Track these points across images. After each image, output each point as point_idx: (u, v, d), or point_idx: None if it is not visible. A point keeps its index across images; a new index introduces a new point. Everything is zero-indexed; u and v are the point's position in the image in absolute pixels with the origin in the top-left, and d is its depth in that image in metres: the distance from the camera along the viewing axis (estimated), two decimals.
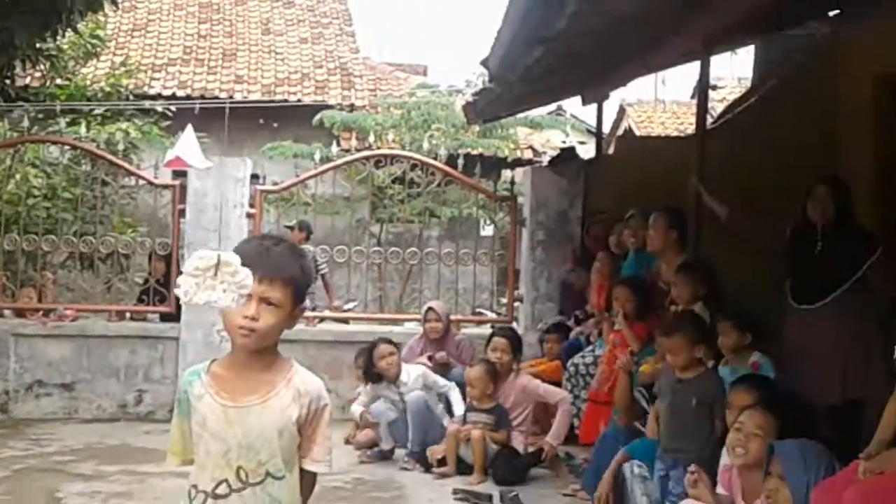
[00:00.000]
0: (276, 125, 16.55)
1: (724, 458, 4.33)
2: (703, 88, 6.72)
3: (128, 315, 8.96)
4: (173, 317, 8.55)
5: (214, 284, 2.33)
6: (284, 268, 2.50)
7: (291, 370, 2.59)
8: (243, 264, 2.35)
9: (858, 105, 7.39)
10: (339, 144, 11.29)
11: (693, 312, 5.40)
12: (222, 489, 2.49)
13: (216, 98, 16.63)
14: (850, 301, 5.32)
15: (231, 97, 17.05)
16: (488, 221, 11.65)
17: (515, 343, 6.81)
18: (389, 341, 7.20)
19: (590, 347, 7.04)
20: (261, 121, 16.54)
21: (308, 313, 9.29)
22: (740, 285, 6.14)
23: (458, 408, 6.92)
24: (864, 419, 4.99)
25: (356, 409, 7.18)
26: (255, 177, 9.49)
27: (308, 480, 2.61)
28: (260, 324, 2.45)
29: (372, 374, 7.08)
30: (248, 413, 2.50)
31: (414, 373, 7.07)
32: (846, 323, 5.30)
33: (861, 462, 3.52)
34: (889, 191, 7.18)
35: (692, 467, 4.33)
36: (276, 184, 9.52)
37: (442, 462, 6.48)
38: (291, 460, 2.55)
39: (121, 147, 9.91)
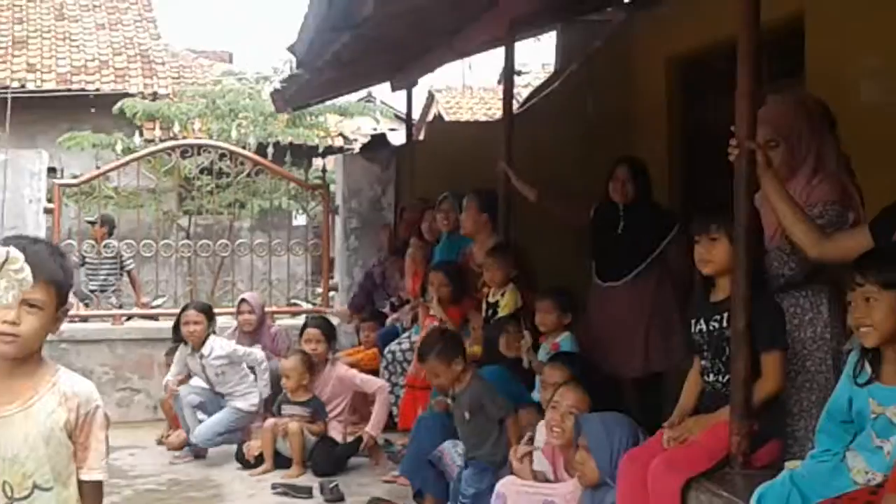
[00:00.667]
0: (73, 116, 15.82)
1: (538, 433, 4.42)
2: (508, 74, 6.82)
3: None
4: None
5: None
6: (45, 267, 2.34)
7: (56, 374, 2.44)
8: None
9: (652, 87, 7.72)
10: (142, 135, 10.94)
11: (445, 331, 5.49)
12: None
13: (6, 88, 15.74)
14: (651, 277, 5.56)
15: (23, 86, 16.19)
16: (301, 211, 11.52)
17: (329, 332, 6.75)
18: (202, 309, 6.99)
19: (406, 334, 7.06)
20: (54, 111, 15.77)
21: (115, 311, 8.95)
22: (550, 266, 6.30)
23: (262, 383, 6.81)
24: (666, 390, 5.22)
25: (167, 379, 6.99)
26: (52, 170, 9.05)
27: (91, 491, 2.46)
28: (23, 328, 2.30)
29: (178, 336, 6.90)
30: (9, 423, 2.34)
31: (225, 347, 6.87)
32: (647, 298, 5.54)
33: (665, 431, 3.66)
34: (682, 169, 7.53)
35: (523, 443, 4.39)
36: (75, 177, 9.09)
37: (259, 458, 6.35)
38: (63, 471, 2.40)
39: None
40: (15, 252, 2.20)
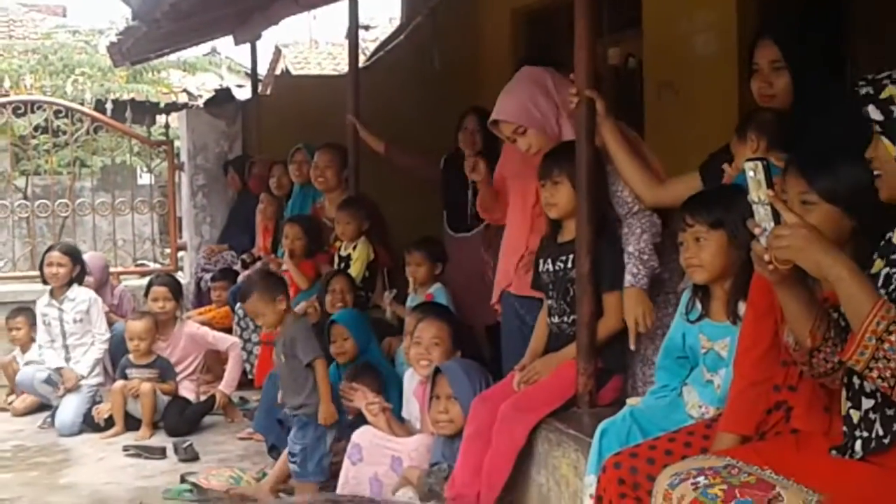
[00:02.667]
0: None
1: (415, 379, 4.46)
2: (353, 27, 6.79)
3: None
4: None
5: None
6: None
7: None
8: None
9: (498, 39, 7.81)
10: None
11: (267, 271, 5.44)
12: None
13: None
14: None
15: None
16: (145, 168, 11.20)
17: (176, 290, 6.63)
18: (67, 251, 6.76)
19: None
20: None
21: None
22: (400, 219, 6.35)
23: (82, 366, 6.57)
24: None
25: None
26: None
27: None
28: None
29: (43, 278, 6.72)
30: None
31: (88, 296, 6.69)
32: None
33: (516, 373, 3.77)
34: None
35: (371, 397, 4.40)
36: None
37: (109, 421, 6.21)
38: None
39: None
40: None
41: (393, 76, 8.06)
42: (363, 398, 4.39)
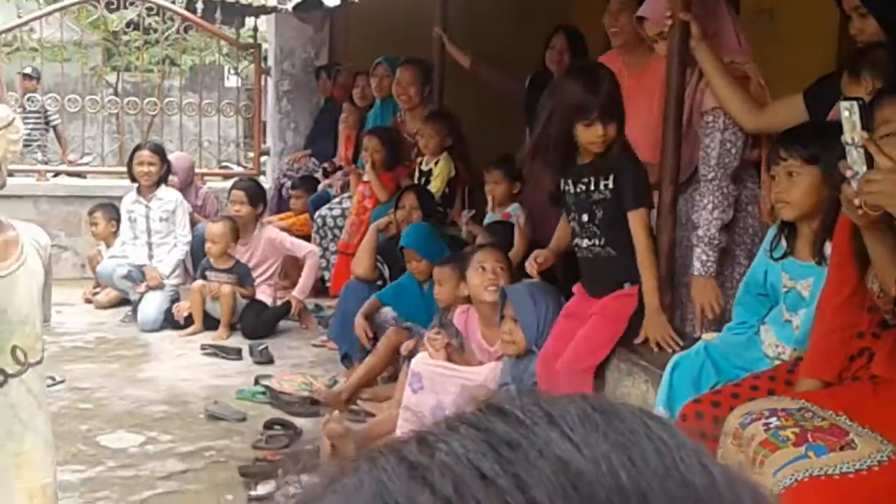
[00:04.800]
0: None
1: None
2: None
3: None
4: None
5: None
6: None
7: (11, 224, 2.28)
8: None
9: None
10: None
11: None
12: None
13: None
14: None
15: None
16: (232, 71, 11.26)
17: (256, 194, 6.68)
18: (156, 149, 6.90)
19: (337, 199, 7.03)
20: None
21: (40, 167, 8.76)
22: (483, 136, 6.29)
23: (165, 265, 6.73)
24: None
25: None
26: None
27: None
28: None
29: (131, 175, 6.87)
30: (13, 281, 2.16)
31: (175, 197, 6.85)
32: None
33: (532, 263, 3.85)
34: None
35: (435, 331, 4.38)
36: None
37: (188, 320, 6.36)
38: None
39: None
40: (19, 121, 2.20)
41: None
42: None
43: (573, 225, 3.74)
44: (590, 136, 3.48)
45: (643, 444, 0.53)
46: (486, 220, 5.34)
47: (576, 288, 3.83)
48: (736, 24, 3.69)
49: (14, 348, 2.13)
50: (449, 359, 4.20)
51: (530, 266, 3.90)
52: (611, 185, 3.55)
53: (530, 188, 5.46)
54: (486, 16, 7.54)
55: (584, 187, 3.64)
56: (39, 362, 2.17)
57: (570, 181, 3.69)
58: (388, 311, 5.02)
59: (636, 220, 3.53)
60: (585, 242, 3.68)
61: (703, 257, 3.47)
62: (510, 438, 0.55)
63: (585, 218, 3.65)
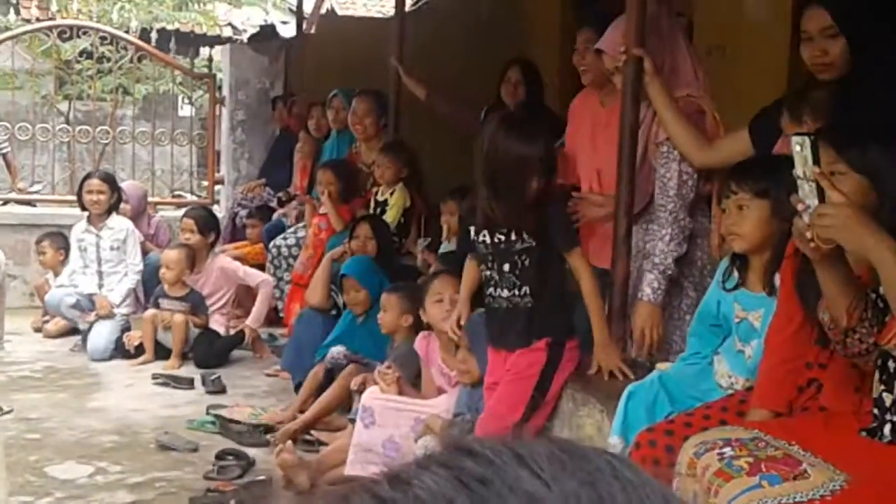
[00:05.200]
0: None
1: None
2: None
3: None
4: None
5: None
6: None
7: None
8: None
9: None
10: (18, 13, 10.40)
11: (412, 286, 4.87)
12: None
13: None
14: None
15: None
16: (186, 100, 11.21)
17: (207, 223, 6.64)
18: (105, 178, 6.85)
19: (292, 229, 7.02)
20: None
21: None
22: (439, 166, 6.33)
23: (116, 294, 6.67)
24: None
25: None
26: None
27: None
28: None
29: (81, 204, 6.81)
30: None
31: (126, 226, 6.79)
32: None
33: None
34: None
35: (386, 365, 4.35)
36: None
37: (139, 349, 6.29)
38: None
39: None
40: None
41: (438, 22, 7.99)
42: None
43: (488, 275, 3.61)
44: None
45: (610, 482, 0.55)
46: (442, 250, 5.37)
47: (489, 351, 3.70)
48: (693, 57, 3.75)
49: None
50: (400, 393, 4.19)
51: (451, 332, 3.83)
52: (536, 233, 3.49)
53: None
54: (442, 48, 7.61)
55: (502, 237, 3.53)
56: None
57: (484, 231, 3.57)
58: (339, 349, 4.99)
59: (576, 258, 3.54)
60: (504, 293, 3.57)
61: (655, 285, 3.50)
62: (481, 475, 0.56)
63: (507, 268, 3.55)
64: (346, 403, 4.82)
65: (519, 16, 7.97)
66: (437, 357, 4.26)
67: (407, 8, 7.16)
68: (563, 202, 3.63)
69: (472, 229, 3.64)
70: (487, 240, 3.57)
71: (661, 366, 3.28)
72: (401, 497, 0.55)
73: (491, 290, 3.63)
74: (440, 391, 4.21)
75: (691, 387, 3.05)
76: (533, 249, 3.52)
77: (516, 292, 3.56)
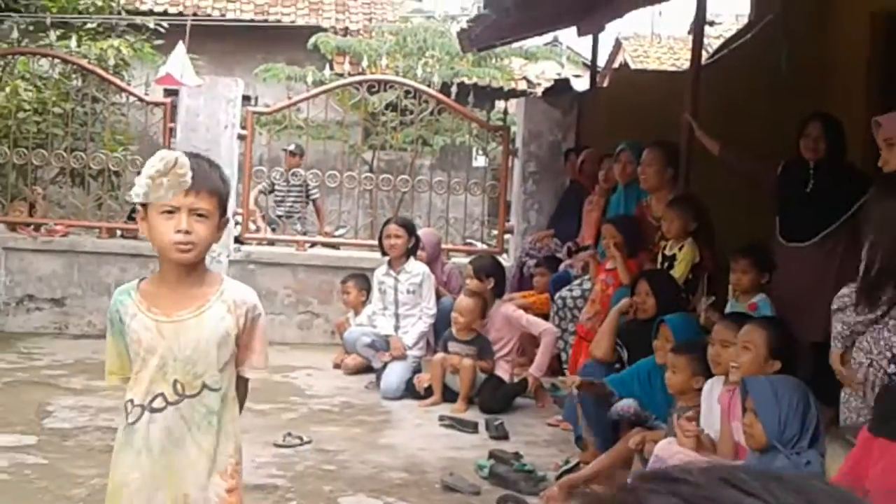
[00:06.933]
0: (268, 47, 16.37)
1: (705, 392, 4.37)
2: (699, 23, 6.68)
3: (118, 233, 8.94)
4: None
5: (162, 181, 2.44)
6: (208, 179, 2.56)
7: (222, 283, 2.67)
8: None
9: (854, 43, 7.36)
10: (332, 68, 11.19)
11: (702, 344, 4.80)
12: (158, 402, 2.59)
13: (208, 16, 16.41)
14: (839, 240, 5.36)
15: (223, 15, 16.83)
16: (480, 151, 11.63)
17: (490, 271, 6.79)
18: (403, 223, 7.21)
19: (578, 281, 7.07)
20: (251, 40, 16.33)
21: (299, 237, 9.32)
22: (729, 223, 6.18)
23: (410, 336, 6.94)
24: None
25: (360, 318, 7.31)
26: (246, 98, 9.42)
27: (244, 386, 2.74)
28: (193, 237, 2.52)
29: (381, 248, 7.19)
30: (182, 327, 2.58)
31: (422, 270, 7.10)
32: (833, 261, 5.34)
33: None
34: None
35: (687, 417, 4.30)
36: (267, 106, 9.45)
37: (428, 391, 6.54)
38: (227, 372, 2.64)
39: (111, 63, 9.81)
40: (184, 158, 2.47)
41: (735, 75, 7.83)
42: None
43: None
44: None
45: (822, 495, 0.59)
46: (728, 309, 5.22)
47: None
48: None
49: (175, 381, 2.57)
50: (697, 448, 4.12)
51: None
52: None
53: (780, 278, 5.31)
54: (737, 101, 7.45)
55: None
56: (195, 395, 2.59)
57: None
58: (630, 404, 4.91)
59: None
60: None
61: None
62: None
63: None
64: (628, 462, 4.79)
65: (821, 69, 7.67)
66: (739, 412, 4.15)
67: (703, 60, 7.08)
68: None
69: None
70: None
71: None
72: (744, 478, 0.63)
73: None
74: (738, 448, 4.08)
75: None
76: None
77: None
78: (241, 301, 2.65)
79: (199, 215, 2.52)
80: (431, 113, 9.54)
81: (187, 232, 2.50)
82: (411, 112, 9.91)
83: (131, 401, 2.60)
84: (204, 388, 2.59)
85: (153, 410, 2.58)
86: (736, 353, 4.13)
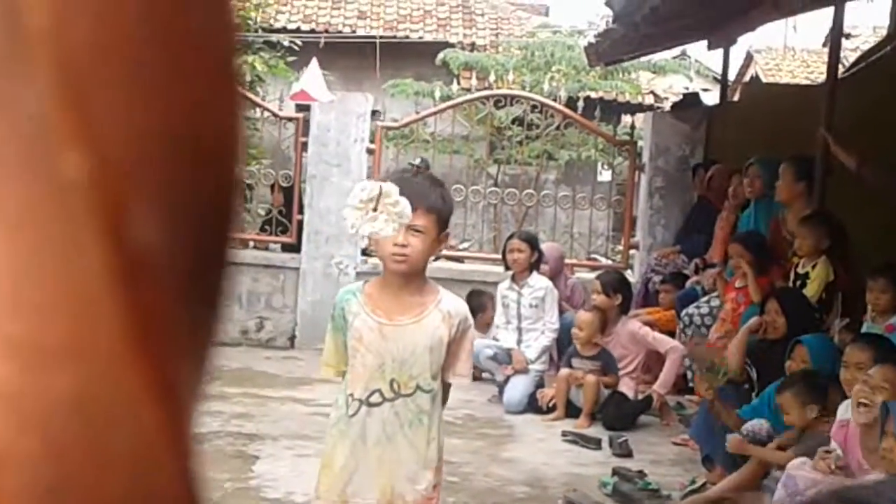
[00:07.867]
0: (396, 63, 16.63)
1: (840, 414, 4.26)
2: (835, 35, 6.51)
3: (250, 244, 9.19)
4: (294, 247, 8.75)
5: (377, 216, 2.55)
6: (426, 197, 2.74)
7: (439, 294, 2.87)
8: None
9: None
10: (459, 83, 11.33)
11: (807, 371, 4.75)
12: (375, 398, 2.79)
13: (340, 33, 16.77)
14: None
15: (354, 32, 17.18)
16: (606, 166, 11.55)
17: (617, 287, 6.76)
18: (526, 238, 7.22)
19: (705, 298, 6.96)
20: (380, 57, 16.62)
21: None
22: (868, 240, 5.99)
23: (532, 350, 6.91)
24: None
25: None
26: (374, 113, 9.58)
27: (447, 391, 2.94)
28: (409, 250, 2.71)
29: (505, 262, 7.23)
30: (402, 331, 2.79)
31: (546, 284, 7.09)
32: None
33: None
34: None
35: (825, 450, 4.19)
36: (395, 121, 9.59)
37: (552, 406, 6.51)
38: (438, 375, 2.83)
39: (247, 79, 10.12)
40: (388, 186, 2.56)
41: (874, 89, 7.58)
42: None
43: None
44: None
45: None
46: (864, 330, 5.06)
47: None
48: None
49: (392, 381, 2.77)
50: (832, 473, 4.01)
51: None
52: None
53: None
54: (876, 116, 7.21)
55: None
56: (409, 395, 2.76)
57: None
58: (761, 424, 4.78)
59: None
60: None
61: None
62: None
63: None
64: (756, 483, 4.69)
65: None
66: (857, 448, 4.04)
67: (839, 74, 6.89)
68: None
69: None
70: None
71: None
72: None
73: None
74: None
75: None
76: None
77: None
78: (456, 312, 2.85)
79: (416, 231, 2.71)
80: (557, 127, 9.56)
81: (403, 245, 2.70)
82: (537, 126, 9.93)
83: (351, 395, 2.80)
84: (417, 389, 2.78)
85: (370, 405, 2.78)
86: (863, 391, 3.97)
